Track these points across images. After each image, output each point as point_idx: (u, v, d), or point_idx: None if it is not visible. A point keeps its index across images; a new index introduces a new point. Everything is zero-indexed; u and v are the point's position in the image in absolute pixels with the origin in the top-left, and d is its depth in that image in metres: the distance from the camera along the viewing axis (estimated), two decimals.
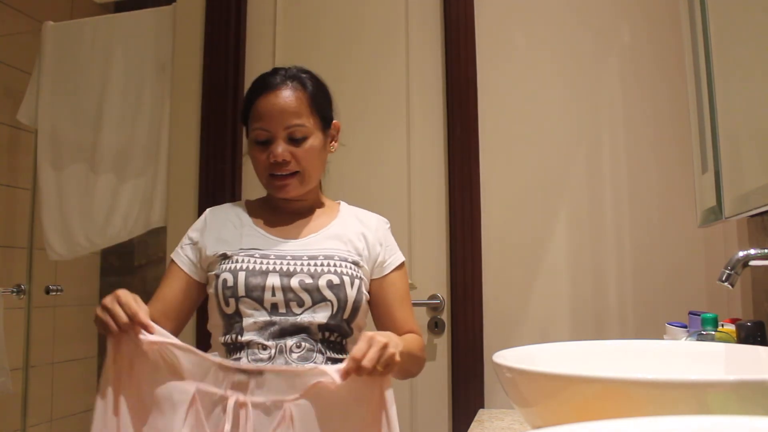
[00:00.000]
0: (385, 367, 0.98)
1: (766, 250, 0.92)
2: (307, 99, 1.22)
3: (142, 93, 2.06)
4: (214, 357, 1.07)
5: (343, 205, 1.33)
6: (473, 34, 1.79)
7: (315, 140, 1.23)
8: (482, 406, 1.65)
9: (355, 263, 1.20)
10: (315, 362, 1.12)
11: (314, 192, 1.30)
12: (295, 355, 1.12)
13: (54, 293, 2.26)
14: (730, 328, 1.10)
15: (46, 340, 2.36)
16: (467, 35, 1.79)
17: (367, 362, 0.96)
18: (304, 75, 1.25)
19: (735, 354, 0.89)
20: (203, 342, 1.24)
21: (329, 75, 1.96)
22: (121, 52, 2.08)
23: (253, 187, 1.70)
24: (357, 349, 0.98)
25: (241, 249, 1.20)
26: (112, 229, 2.03)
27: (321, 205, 1.31)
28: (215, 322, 1.18)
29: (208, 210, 1.31)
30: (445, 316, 1.76)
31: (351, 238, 1.23)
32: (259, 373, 1.01)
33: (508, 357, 0.83)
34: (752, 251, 0.92)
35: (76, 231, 2.07)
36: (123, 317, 0.99)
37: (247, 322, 1.13)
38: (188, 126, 1.94)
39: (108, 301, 1.02)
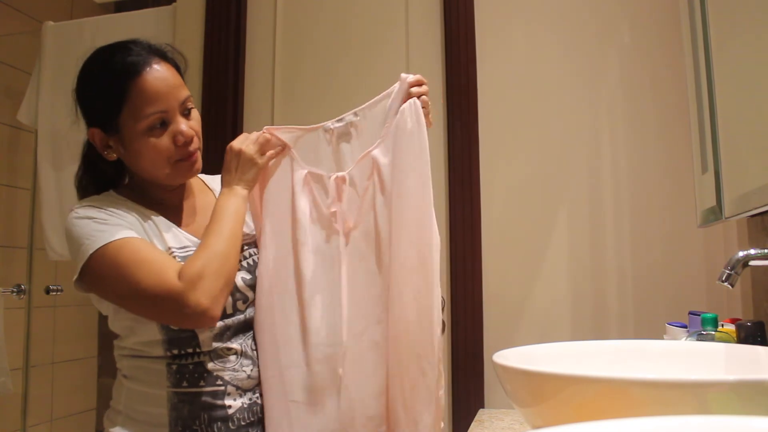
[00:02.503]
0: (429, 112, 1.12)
1: (766, 250, 0.92)
2: (176, 68, 1.12)
3: None
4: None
5: (201, 176, 1.25)
6: (473, 34, 1.78)
7: (196, 110, 1.14)
8: (482, 406, 1.65)
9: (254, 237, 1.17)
10: None
11: None
12: (256, 353, 1.11)
13: (54, 293, 2.26)
14: (730, 328, 1.10)
15: (46, 340, 2.36)
16: (467, 35, 1.79)
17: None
18: (156, 46, 1.11)
19: (735, 354, 0.89)
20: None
21: (329, 75, 1.97)
22: None
23: None
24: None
25: (170, 248, 1.07)
26: None
27: (186, 183, 1.19)
28: (150, 338, 1.04)
29: (85, 200, 1.09)
30: (445, 316, 1.76)
31: None
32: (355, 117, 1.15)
33: (508, 357, 0.83)
34: (752, 251, 0.92)
35: None
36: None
37: (202, 334, 1.04)
38: None
39: (252, 145, 1.12)
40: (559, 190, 1.69)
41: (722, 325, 1.13)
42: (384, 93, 1.14)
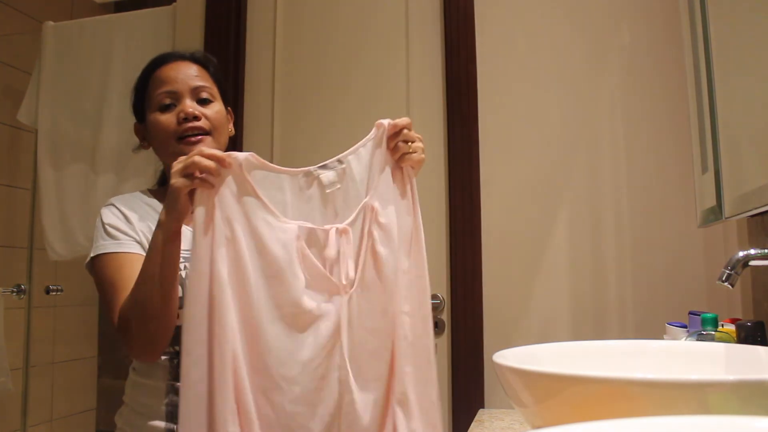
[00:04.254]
0: (415, 151, 1.01)
1: (766, 250, 0.92)
2: (208, 71, 1.21)
3: None
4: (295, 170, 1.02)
5: None
6: (473, 34, 1.79)
7: (220, 107, 1.19)
8: (482, 406, 1.65)
9: None
10: None
11: None
12: None
13: (54, 293, 2.26)
14: (730, 328, 1.10)
15: (46, 340, 2.36)
16: (467, 35, 1.79)
17: (406, 129, 1.01)
18: (199, 54, 1.23)
19: (735, 354, 0.89)
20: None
21: (329, 75, 1.97)
22: (122, 52, 2.08)
23: None
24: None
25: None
26: None
27: None
28: None
29: (114, 200, 1.17)
30: (445, 316, 1.76)
31: None
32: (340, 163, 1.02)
33: (508, 357, 0.83)
34: (752, 251, 0.92)
35: (76, 231, 2.07)
36: (213, 165, 0.91)
37: None
38: None
39: (187, 163, 0.92)
40: (559, 190, 1.69)
41: (722, 325, 1.13)
42: (365, 139, 1.05)
